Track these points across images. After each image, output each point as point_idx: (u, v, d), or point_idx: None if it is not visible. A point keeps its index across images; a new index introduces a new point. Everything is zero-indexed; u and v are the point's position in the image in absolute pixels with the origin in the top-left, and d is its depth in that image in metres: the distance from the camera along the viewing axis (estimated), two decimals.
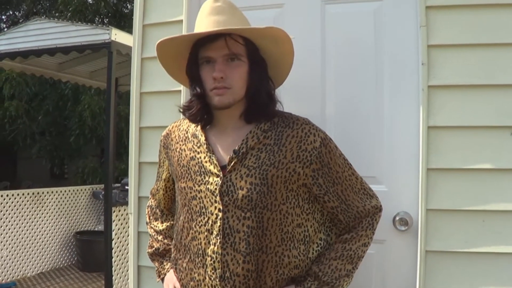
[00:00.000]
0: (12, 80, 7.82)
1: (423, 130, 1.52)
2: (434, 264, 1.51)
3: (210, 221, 1.18)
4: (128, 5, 9.95)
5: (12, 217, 4.68)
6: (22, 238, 4.79)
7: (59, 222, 5.24)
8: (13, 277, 4.70)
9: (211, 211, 1.18)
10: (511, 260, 1.46)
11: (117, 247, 3.59)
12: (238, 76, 1.19)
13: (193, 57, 1.24)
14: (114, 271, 3.54)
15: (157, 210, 1.50)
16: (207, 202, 1.19)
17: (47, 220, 5.09)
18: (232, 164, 1.19)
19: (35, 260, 4.96)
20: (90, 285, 4.64)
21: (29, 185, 8.80)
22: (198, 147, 1.25)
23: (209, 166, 1.21)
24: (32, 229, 4.91)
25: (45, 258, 5.09)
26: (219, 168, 1.20)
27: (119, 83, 4.80)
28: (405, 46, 1.59)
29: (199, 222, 1.20)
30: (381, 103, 1.62)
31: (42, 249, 5.05)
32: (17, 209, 4.75)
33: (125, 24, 8.92)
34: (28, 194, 4.89)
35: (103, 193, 4.46)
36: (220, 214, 1.17)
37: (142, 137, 1.95)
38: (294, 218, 1.20)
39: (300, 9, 1.71)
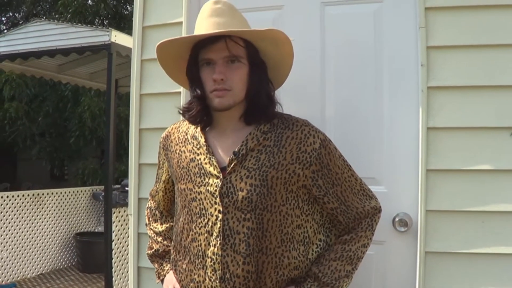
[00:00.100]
0: (12, 82, 7.81)
1: (423, 131, 1.52)
2: (434, 265, 1.51)
3: (210, 223, 1.18)
4: (128, 6, 9.95)
5: (12, 219, 4.68)
6: (22, 239, 4.78)
7: (59, 223, 5.24)
8: (13, 278, 4.70)
9: (211, 212, 1.19)
10: (511, 261, 1.46)
11: (117, 248, 3.59)
12: (238, 78, 1.19)
13: (193, 59, 1.24)
14: (114, 272, 3.54)
15: (157, 212, 1.50)
16: (207, 203, 1.20)
17: (47, 221, 5.09)
18: (232, 165, 1.19)
19: (35, 261, 4.96)
20: (90, 286, 4.64)
21: (29, 186, 8.80)
22: (198, 149, 1.25)
23: (209, 167, 1.21)
24: (32, 231, 4.90)
25: (45, 259, 5.09)
26: (219, 169, 1.20)
27: (119, 84, 4.81)
28: (404, 47, 1.60)
29: (199, 224, 1.20)
30: (381, 104, 1.62)
31: (42, 250, 5.05)
32: (17, 211, 4.75)
33: (125, 25, 8.92)
34: (28, 195, 4.89)
35: (103, 194, 4.47)
36: (220, 215, 1.17)
37: (142, 139, 1.95)
38: (293, 219, 1.21)
39: (300, 11, 1.71)
